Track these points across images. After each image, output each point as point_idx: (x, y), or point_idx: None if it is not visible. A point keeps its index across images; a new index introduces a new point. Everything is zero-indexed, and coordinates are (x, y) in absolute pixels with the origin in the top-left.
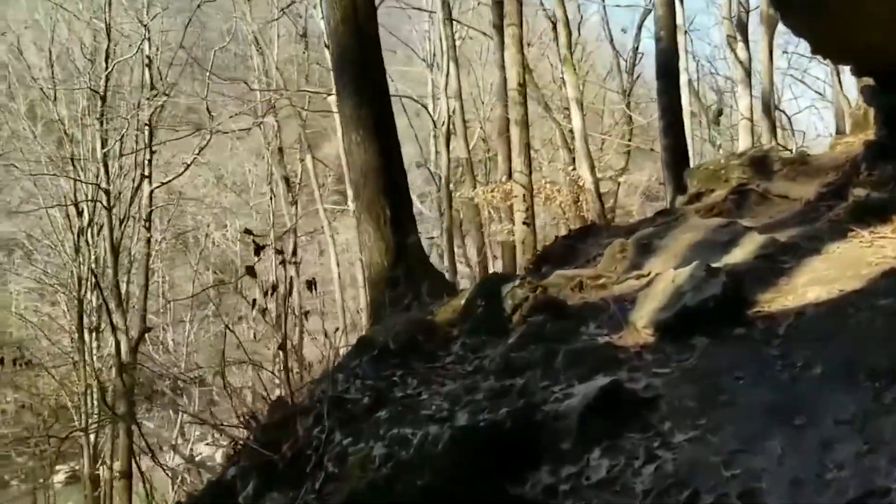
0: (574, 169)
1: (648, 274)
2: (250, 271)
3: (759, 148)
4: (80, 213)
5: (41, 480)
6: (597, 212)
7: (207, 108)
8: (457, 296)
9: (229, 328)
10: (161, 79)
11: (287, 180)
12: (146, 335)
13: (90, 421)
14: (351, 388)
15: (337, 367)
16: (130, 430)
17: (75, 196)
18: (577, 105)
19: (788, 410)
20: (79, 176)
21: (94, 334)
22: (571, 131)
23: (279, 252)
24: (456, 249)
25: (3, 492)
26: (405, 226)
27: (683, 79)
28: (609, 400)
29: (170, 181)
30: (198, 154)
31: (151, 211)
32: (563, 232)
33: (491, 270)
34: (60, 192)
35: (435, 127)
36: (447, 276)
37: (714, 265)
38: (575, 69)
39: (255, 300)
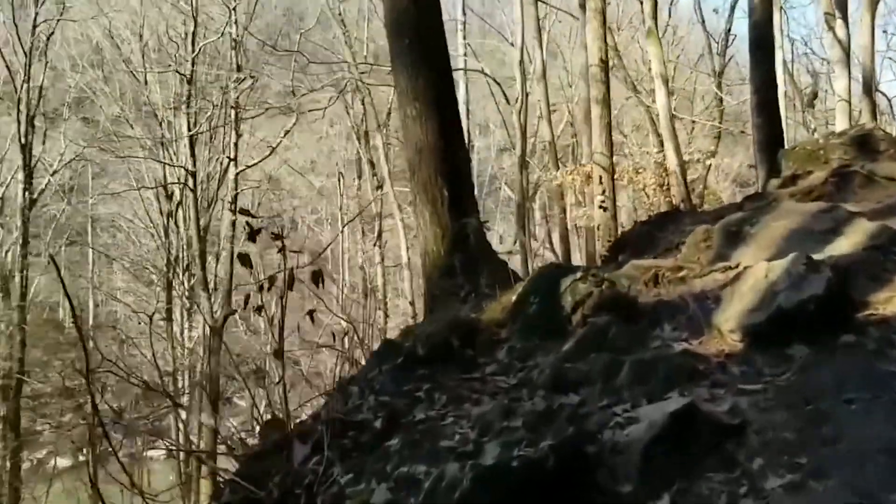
0: (660, 151)
1: (736, 266)
2: (243, 260)
3: (861, 127)
4: (169, 196)
5: (135, 456)
6: (682, 196)
7: (293, 91)
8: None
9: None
10: (247, 61)
11: (371, 163)
12: (233, 317)
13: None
14: (363, 405)
15: (352, 378)
16: (216, 411)
17: (165, 178)
18: (662, 81)
19: None
20: (171, 159)
21: (183, 315)
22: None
23: (277, 237)
24: (544, 235)
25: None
26: (465, 209)
27: (778, 57)
28: (683, 428)
29: (255, 164)
30: (283, 137)
31: (237, 194)
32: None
33: (575, 256)
34: (154, 174)
35: (508, 103)
36: (519, 262)
37: (815, 257)
38: (660, 42)
39: (247, 296)
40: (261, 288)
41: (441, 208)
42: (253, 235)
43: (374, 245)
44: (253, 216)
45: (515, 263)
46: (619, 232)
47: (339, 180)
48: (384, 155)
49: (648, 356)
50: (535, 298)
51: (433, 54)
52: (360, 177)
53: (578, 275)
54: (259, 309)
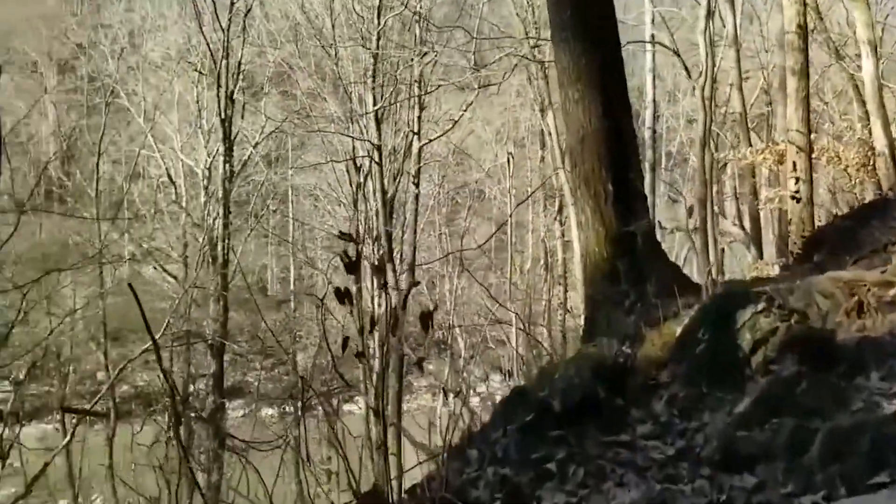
0: (865, 125)
1: None
2: (341, 296)
3: None
4: (357, 169)
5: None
6: (891, 181)
7: (475, 64)
8: (691, 293)
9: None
10: (430, 35)
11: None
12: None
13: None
14: (481, 478)
15: (471, 437)
16: (401, 374)
17: (353, 152)
18: (870, 48)
19: None
20: (361, 133)
21: (373, 284)
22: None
23: (378, 269)
24: (734, 212)
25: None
26: (632, 206)
27: None
28: None
29: (437, 138)
30: (464, 111)
31: (420, 167)
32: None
33: (767, 236)
34: (345, 147)
35: (689, 77)
36: (697, 262)
37: None
38: (868, 4)
39: (346, 339)
40: (362, 330)
41: (605, 205)
42: (351, 267)
43: (555, 219)
44: (353, 240)
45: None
46: (816, 225)
47: (508, 161)
48: (556, 134)
49: (848, 423)
50: (704, 333)
51: (599, 28)
52: (543, 147)
53: (760, 306)
54: (360, 355)
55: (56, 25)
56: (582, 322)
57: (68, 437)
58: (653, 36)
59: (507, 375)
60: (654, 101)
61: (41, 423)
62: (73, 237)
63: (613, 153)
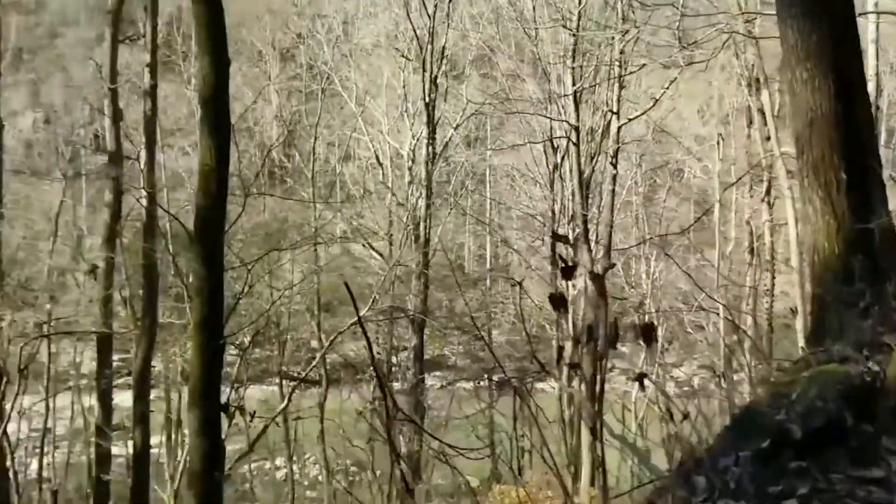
0: None
1: None
2: (556, 301)
3: None
4: (555, 150)
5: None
6: None
7: (679, 39)
8: None
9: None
10: (633, 12)
11: (762, 112)
12: (615, 269)
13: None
14: None
15: (698, 462)
16: (596, 358)
17: (551, 133)
18: None
19: None
20: (559, 114)
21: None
22: None
23: (596, 278)
24: None
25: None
26: (869, 196)
27: None
28: None
29: (637, 117)
30: (666, 88)
31: (619, 147)
32: None
33: None
34: (543, 128)
35: None
36: None
37: None
38: None
39: (560, 349)
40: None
41: (837, 195)
42: (568, 272)
43: (762, 201)
44: (567, 242)
45: None
46: None
47: (717, 143)
48: (771, 112)
49: None
50: None
51: (831, 1)
52: (749, 125)
53: None
54: (574, 366)
55: (279, 17)
56: (800, 317)
57: (286, 402)
58: (876, 4)
59: (721, 377)
60: (877, 74)
61: (261, 385)
62: (291, 216)
63: (847, 137)
